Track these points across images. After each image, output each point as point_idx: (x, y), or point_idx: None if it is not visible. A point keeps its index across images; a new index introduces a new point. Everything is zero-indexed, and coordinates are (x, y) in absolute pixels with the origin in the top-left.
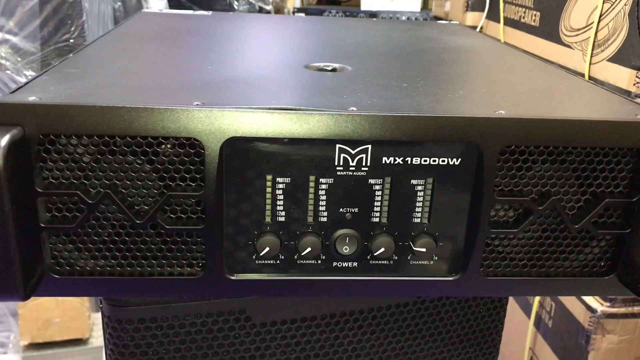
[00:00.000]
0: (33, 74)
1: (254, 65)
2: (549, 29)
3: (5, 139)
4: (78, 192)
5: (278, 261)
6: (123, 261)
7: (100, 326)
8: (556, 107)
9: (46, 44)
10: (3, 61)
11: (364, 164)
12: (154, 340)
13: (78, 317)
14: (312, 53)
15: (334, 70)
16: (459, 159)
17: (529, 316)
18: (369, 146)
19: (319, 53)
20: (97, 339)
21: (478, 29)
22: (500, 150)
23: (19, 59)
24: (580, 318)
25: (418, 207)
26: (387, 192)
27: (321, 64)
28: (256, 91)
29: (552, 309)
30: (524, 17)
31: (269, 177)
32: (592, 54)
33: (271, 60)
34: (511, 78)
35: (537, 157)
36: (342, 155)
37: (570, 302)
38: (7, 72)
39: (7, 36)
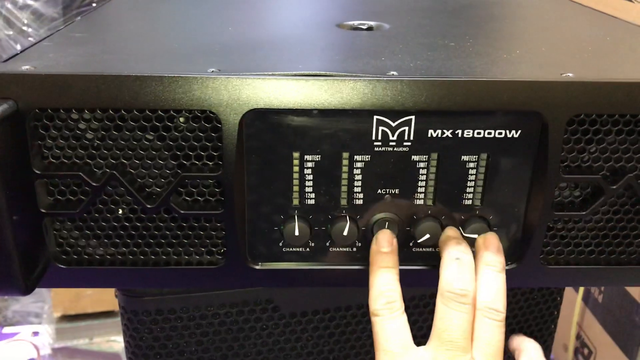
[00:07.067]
0: None
1: (279, 25)
2: None
3: None
4: (81, 173)
5: (307, 249)
6: (135, 249)
7: None
8: (632, 68)
9: (68, 8)
10: (25, 27)
11: (406, 138)
12: (173, 333)
13: (109, 290)
14: (344, 10)
15: (369, 29)
16: (519, 131)
17: (576, 290)
18: (412, 117)
19: (352, 10)
20: None
21: None
22: (568, 119)
23: (40, 25)
24: (635, 294)
25: (469, 187)
26: (433, 170)
27: (355, 22)
28: (281, 55)
29: None
30: None
31: (297, 155)
32: None
33: (298, 19)
34: (575, 34)
35: (610, 127)
36: (380, 128)
37: None
38: (29, 39)
39: (29, 1)
